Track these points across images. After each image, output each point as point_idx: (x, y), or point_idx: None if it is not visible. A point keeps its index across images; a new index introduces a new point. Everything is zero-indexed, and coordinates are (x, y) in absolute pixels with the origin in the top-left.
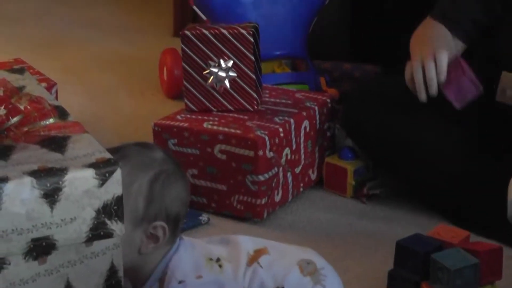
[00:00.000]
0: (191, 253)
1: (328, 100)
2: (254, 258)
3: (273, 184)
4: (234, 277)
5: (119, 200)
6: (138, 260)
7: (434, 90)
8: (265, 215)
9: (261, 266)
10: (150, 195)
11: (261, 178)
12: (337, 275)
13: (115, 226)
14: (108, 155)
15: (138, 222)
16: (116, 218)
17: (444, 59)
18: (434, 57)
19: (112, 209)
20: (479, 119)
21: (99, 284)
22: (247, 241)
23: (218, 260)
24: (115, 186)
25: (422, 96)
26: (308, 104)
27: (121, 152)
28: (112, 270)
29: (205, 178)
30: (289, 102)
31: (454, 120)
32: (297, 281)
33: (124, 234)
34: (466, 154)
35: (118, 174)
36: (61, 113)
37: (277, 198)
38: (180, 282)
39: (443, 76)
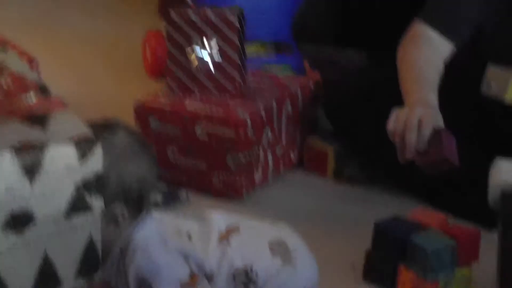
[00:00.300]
0: (159, 227)
1: (311, 83)
2: (225, 236)
3: (253, 164)
4: (203, 253)
5: (99, 176)
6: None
7: (410, 156)
8: (244, 194)
9: (230, 246)
10: (105, 180)
11: (242, 157)
12: (310, 256)
13: (94, 202)
14: (89, 132)
15: None
16: (95, 194)
17: (427, 133)
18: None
19: (92, 185)
20: (463, 111)
21: (77, 256)
22: (220, 219)
23: (187, 233)
24: (95, 162)
25: (402, 160)
26: (291, 86)
27: None
28: (90, 245)
29: (186, 157)
30: (272, 84)
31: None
32: (266, 261)
33: None
34: None
35: (98, 151)
36: (43, 89)
37: (257, 178)
38: (145, 250)
39: (423, 146)
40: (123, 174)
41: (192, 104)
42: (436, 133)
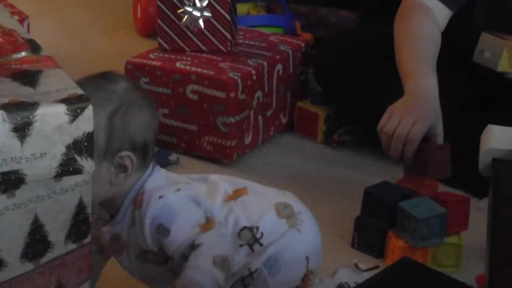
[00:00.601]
0: (167, 175)
1: (303, 45)
2: (232, 197)
3: (244, 127)
4: (211, 205)
5: (89, 137)
6: (112, 191)
7: (394, 160)
8: (234, 157)
9: (237, 205)
10: (110, 130)
11: (232, 120)
12: (314, 221)
13: (85, 163)
14: (80, 91)
15: (102, 156)
16: (86, 155)
17: (411, 150)
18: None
19: (83, 146)
20: (455, 78)
21: (67, 220)
22: (226, 181)
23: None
24: (86, 122)
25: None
26: (282, 47)
27: (80, 88)
28: (81, 207)
29: (176, 118)
30: (263, 45)
31: None
32: (272, 223)
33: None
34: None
35: (89, 111)
36: (34, 47)
37: (247, 141)
38: (160, 197)
39: (408, 160)
40: (128, 121)
41: (183, 65)
42: (423, 149)
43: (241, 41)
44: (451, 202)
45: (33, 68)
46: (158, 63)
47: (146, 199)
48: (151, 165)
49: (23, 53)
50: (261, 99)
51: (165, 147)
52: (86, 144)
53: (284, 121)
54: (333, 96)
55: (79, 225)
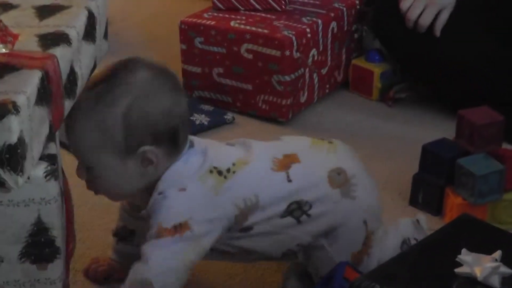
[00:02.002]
0: (192, 164)
1: (357, 2)
2: (284, 163)
3: (299, 85)
4: (245, 179)
5: (11, 149)
6: (145, 181)
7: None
8: (290, 115)
9: (289, 180)
10: (126, 126)
11: (287, 78)
12: (370, 181)
13: (7, 176)
14: (12, 99)
15: (124, 154)
16: (8, 168)
17: (445, 17)
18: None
19: (4, 158)
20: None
21: (21, 236)
22: (271, 146)
23: (227, 170)
24: (6, 133)
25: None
26: (336, 5)
27: (95, 81)
28: (40, 226)
29: (231, 77)
30: (317, 2)
31: (482, 24)
32: (324, 194)
33: (117, 167)
34: (493, 58)
35: (9, 121)
36: (43, 43)
37: (303, 99)
38: (160, 193)
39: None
40: (145, 115)
41: (237, 24)
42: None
43: None
44: (509, 157)
45: (14, 63)
46: (213, 23)
47: (154, 192)
48: (185, 149)
49: (3, 49)
50: (315, 57)
51: (221, 106)
52: (7, 156)
53: (339, 78)
54: (391, 49)
55: (39, 246)
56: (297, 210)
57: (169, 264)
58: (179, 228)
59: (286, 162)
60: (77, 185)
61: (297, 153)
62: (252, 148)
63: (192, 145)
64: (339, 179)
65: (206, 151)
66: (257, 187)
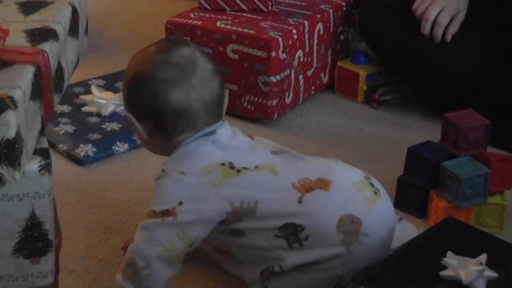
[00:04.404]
0: (203, 152)
1: (343, 4)
2: (309, 185)
3: (285, 86)
4: (253, 182)
5: (9, 144)
6: (162, 150)
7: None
8: (275, 116)
9: (300, 201)
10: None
11: (273, 79)
12: (383, 247)
13: (5, 171)
14: (9, 94)
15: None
16: (6, 162)
17: (444, 23)
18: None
19: (2, 152)
20: (496, 35)
21: (15, 231)
22: (311, 165)
23: (245, 167)
24: (4, 128)
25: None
26: (322, 6)
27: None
28: (34, 220)
29: None
30: (304, 4)
31: (472, 31)
32: (325, 231)
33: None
34: (481, 64)
35: (8, 116)
36: (33, 39)
37: (288, 100)
38: (163, 170)
39: (454, 30)
40: (139, 92)
41: (223, 24)
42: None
43: (281, 0)
44: (495, 161)
45: (5, 58)
46: (199, 23)
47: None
48: (207, 128)
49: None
50: (301, 59)
51: None
52: (5, 151)
53: (324, 80)
54: (378, 51)
55: (33, 241)
56: (292, 235)
57: (150, 247)
58: (166, 213)
59: (313, 185)
60: (61, 184)
61: (332, 181)
62: (295, 166)
63: (219, 133)
64: (349, 226)
65: (230, 144)
66: (260, 193)
